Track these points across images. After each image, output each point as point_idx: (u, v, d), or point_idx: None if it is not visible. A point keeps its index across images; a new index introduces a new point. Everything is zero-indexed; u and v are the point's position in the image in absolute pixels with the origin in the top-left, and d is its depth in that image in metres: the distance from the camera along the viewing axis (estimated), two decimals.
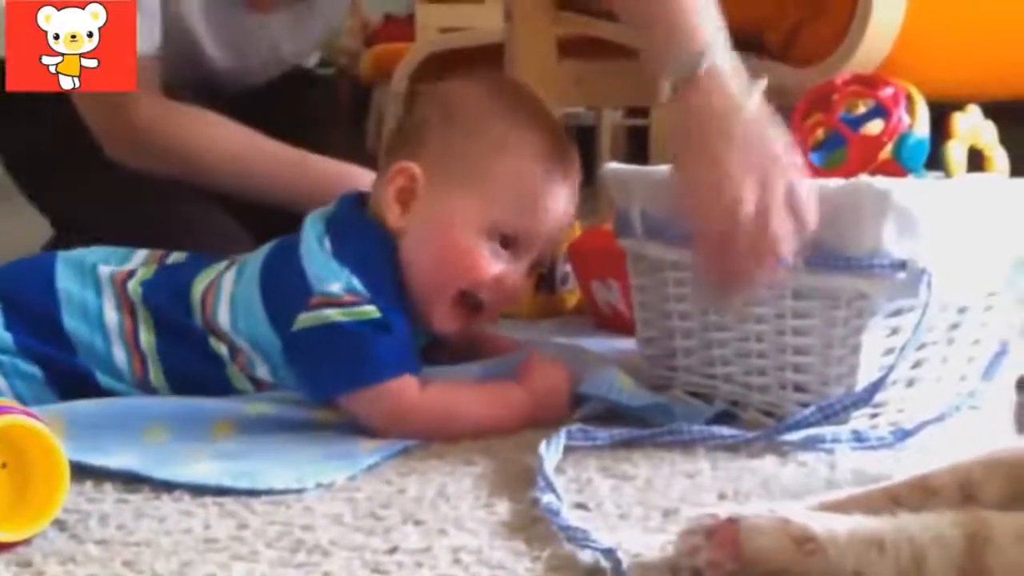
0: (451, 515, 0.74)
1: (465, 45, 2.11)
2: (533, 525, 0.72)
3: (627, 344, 1.13)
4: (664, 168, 0.94)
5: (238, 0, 1.28)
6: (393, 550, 0.68)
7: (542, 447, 0.80)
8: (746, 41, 1.23)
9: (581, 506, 0.75)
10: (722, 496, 0.77)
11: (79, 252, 0.98)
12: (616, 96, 1.86)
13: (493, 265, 0.93)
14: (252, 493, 0.77)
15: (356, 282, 0.88)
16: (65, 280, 0.95)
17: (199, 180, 1.19)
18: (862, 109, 0.95)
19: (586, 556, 0.66)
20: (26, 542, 0.68)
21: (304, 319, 0.88)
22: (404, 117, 1.03)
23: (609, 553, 0.64)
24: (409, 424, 0.88)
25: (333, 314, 0.87)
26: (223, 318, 0.93)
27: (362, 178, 1.14)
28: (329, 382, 0.89)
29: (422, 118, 0.98)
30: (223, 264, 0.97)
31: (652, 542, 0.69)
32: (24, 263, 0.99)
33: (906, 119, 0.91)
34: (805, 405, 0.88)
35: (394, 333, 0.89)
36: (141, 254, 0.99)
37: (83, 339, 0.93)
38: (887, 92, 0.92)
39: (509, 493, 0.78)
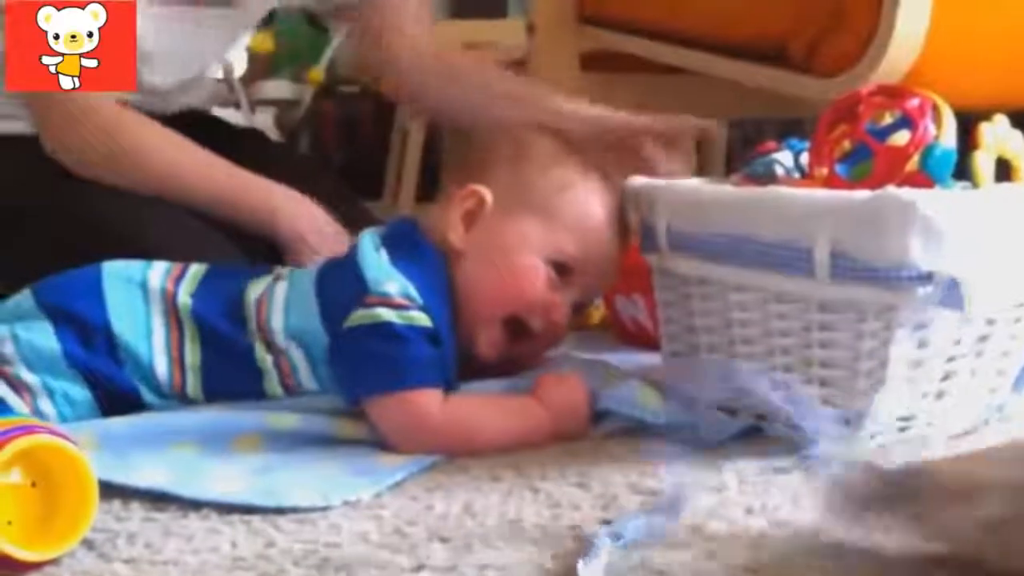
0: (477, 531, 0.73)
1: None
2: (560, 541, 0.72)
3: (652, 359, 1.13)
4: (689, 181, 0.94)
5: None
6: (419, 568, 0.68)
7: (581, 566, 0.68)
8: (769, 53, 1.23)
9: (607, 522, 0.75)
10: (749, 511, 0.77)
11: (124, 263, 0.99)
12: (639, 110, 1.86)
13: (547, 291, 0.96)
14: (278, 511, 0.77)
15: (412, 288, 0.90)
16: (112, 288, 0.96)
17: (140, 185, 1.17)
18: (888, 120, 0.94)
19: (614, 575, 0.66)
20: (55, 561, 0.69)
21: (357, 316, 0.90)
22: (470, 150, 1.07)
23: None
24: (426, 437, 0.88)
25: (386, 313, 0.89)
26: (276, 323, 0.94)
27: (284, 197, 1.15)
28: (363, 381, 0.90)
29: (491, 152, 1.03)
30: (270, 277, 0.99)
31: (678, 558, 0.69)
32: (68, 275, 0.99)
33: (932, 130, 0.91)
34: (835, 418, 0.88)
35: (440, 346, 0.90)
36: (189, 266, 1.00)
37: (129, 345, 0.94)
38: (913, 103, 0.92)
39: (535, 509, 0.77)
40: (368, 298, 0.90)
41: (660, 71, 1.47)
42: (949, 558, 0.64)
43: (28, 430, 0.69)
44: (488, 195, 0.98)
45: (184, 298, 0.96)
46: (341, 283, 0.94)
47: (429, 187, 2.19)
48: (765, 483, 0.82)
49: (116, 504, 0.78)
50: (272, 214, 1.15)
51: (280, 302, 0.96)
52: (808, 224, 0.86)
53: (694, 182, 1.03)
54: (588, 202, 0.98)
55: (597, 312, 1.39)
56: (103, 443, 0.85)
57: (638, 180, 1.03)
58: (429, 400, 0.89)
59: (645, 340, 1.24)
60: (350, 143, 3.14)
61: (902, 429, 0.89)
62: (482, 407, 0.92)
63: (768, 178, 0.99)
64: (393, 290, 0.90)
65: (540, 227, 0.96)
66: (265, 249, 1.14)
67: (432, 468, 0.86)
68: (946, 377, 0.90)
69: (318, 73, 3.11)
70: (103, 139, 1.17)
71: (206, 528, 0.75)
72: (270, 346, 0.94)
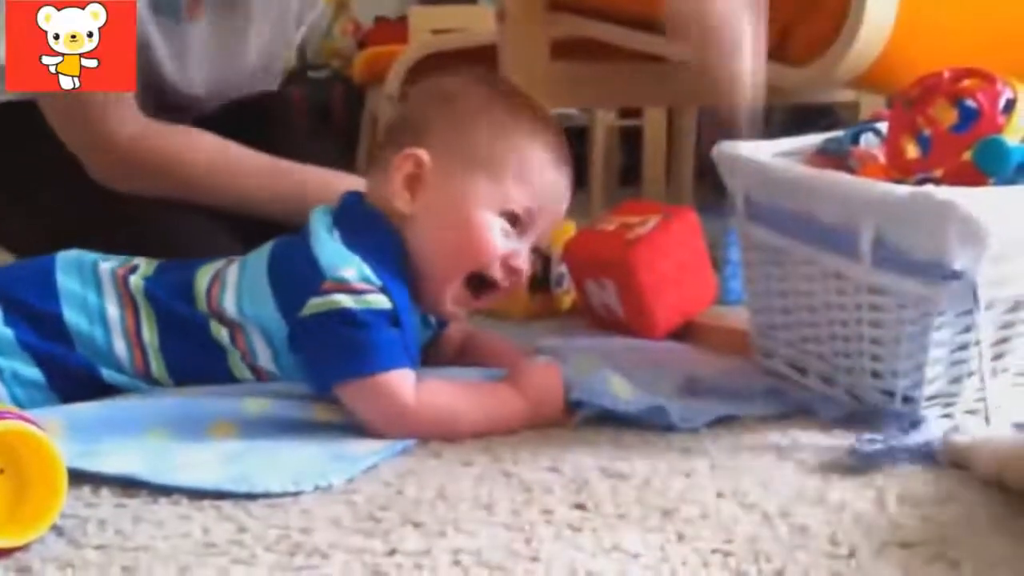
0: (450, 516, 0.74)
1: (458, 47, 2.12)
2: (532, 527, 0.72)
3: (622, 344, 1.13)
4: (765, 155, 0.98)
5: (180, 7, 1.22)
6: (392, 552, 0.68)
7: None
8: None
9: (580, 506, 0.75)
10: (720, 495, 0.77)
11: (77, 252, 0.98)
12: (609, 97, 1.86)
13: (504, 243, 0.95)
14: (250, 496, 0.77)
15: (368, 270, 0.90)
16: (65, 277, 0.95)
17: (185, 194, 1.16)
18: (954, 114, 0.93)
19: (587, 558, 0.66)
20: (25, 548, 0.68)
21: (315, 304, 0.89)
22: (399, 112, 1.05)
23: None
24: (404, 421, 0.88)
25: (344, 300, 0.88)
26: (229, 304, 0.94)
27: (348, 182, 1.15)
28: (330, 370, 0.89)
29: (420, 111, 1.01)
30: (223, 261, 0.98)
31: (651, 541, 0.69)
32: (21, 265, 0.98)
33: (1001, 122, 0.89)
34: (883, 392, 0.92)
35: (402, 327, 0.90)
36: (141, 258, 0.99)
37: (83, 333, 0.93)
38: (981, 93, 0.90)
39: (508, 494, 0.78)
40: (325, 284, 0.89)
41: (631, 58, 1.47)
42: None
43: None
44: (426, 156, 0.96)
45: (137, 280, 0.95)
46: (295, 268, 0.92)
47: None
48: (734, 468, 0.82)
49: (86, 490, 0.78)
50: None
51: (232, 285, 0.94)
52: (855, 212, 0.89)
53: (768, 155, 1.03)
54: (525, 143, 0.96)
55: (568, 297, 1.39)
56: (72, 429, 0.84)
57: (721, 148, 1.03)
58: (401, 382, 0.88)
59: (615, 325, 1.24)
60: (321, 128, 3.13)
61: (947, 405, 0.91)
62: (459, 392, 0.91)
63: (840, 156, 0.99)
64: (350, 275, 0.89)
65: (484, 180, 0.95)
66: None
67: (404, 453, 0.86)
68: (998, 357, 0.92)
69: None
70: (155, 181, 1.16)
71: (177, 514, 0.74)
72: (223, 321, 0.93)
